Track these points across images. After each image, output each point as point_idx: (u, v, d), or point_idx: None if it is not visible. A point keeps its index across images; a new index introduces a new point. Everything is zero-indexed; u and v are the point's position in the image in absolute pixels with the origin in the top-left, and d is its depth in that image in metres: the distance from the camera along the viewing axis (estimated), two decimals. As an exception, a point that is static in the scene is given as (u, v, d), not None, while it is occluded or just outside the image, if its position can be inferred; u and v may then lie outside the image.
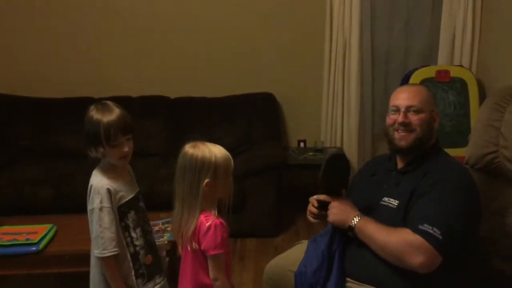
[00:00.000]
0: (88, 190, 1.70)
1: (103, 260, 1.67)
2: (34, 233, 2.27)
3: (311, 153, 3.71)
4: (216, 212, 1.60)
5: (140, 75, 4.01)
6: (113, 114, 1.65)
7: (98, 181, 1.68)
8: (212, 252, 1.55)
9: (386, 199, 1.68)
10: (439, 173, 1.61)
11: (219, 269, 1.56)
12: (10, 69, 4.01)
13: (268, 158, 3.33)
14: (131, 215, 1.74)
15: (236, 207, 3.14)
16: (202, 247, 1.56)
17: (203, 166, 1.56)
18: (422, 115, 1.67)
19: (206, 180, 1.56)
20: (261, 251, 3.17)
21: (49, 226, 2.36)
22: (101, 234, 1.64)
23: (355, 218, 1.60)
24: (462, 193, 1.57)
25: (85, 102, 4.09)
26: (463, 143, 2.39)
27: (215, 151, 1.59)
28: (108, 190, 1.67)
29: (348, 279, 1.65)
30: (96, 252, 1.67)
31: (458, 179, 1.60)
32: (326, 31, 3.72)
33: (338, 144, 3.87)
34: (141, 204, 1.82)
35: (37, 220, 2.48)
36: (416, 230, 1.47)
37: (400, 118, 1.68)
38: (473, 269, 1.63)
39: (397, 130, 1.70)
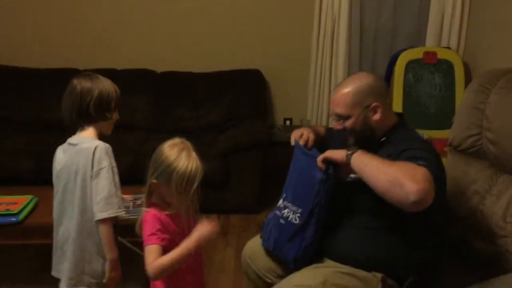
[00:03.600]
0: (91, 152, 1.64)
1: (108, 221, 1.65)
2: (14, 203, 2.25)
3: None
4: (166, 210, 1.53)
5: (125, 48, 3.94)
6: (110, 81, 1.76)
7: (101, 142, 1.68)
8: (144, 243, 1.50)
9: (353, 175, 1.64)
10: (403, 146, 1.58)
11: (147, 261, 1.47)
12: (-9, 38, 3.91)
13: (253, 135, 3.32)
14: None
15: (220, 183, 3.20)
16: None
17: (161, 165, 1.49)
18: (351, 121, 1.65)
19: (154, 180, 1.50)
20: (244, 227, 3.19)
21: (29, 197, 2.34)
22: (116, 192, 1.65)
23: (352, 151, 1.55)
24: (434, 155, 1.56)
25: (69, 74, 4.01)
26: (448, 124, 2.40)
27: (184, 162, 1.47)
28: (112, 152, 1.69)
29: (326, 259, 1.66)
30: (109, 212, 1.64)
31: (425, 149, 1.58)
32: (315, 9, 3.68)
33: (324, 123, 3.87)
34: None
35: (18, 191, 2.45)
36: (416, 163, 1.43)
37: (334, 126, 1.73)
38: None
39: None
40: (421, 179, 1.35)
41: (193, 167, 1.48)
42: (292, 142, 1.81)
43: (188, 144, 1.54)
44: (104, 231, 1.66)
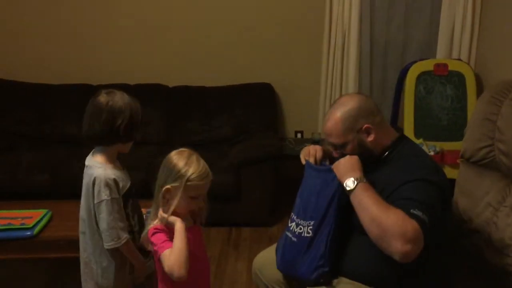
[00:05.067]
0: (91, 182, 1.65)
1: (120, 248, 1.67)
2: (29, 218, 2.28)
3: (307, 144, 3.70)
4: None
5: (138, 63, 3.99)
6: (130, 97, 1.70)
7: (103, 172, 1.65)
8: (159, 252, 1.51)
9: None
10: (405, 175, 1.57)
11: (169, 264, 1.49)
12: (8, 55, 3.99)
13: (264, 148, 3.33)
14: (130, 203, 1.75)
15: (232, 196, 3.21)
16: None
17: (172, 171, 1.50)
18: (348, 147, 1.67)
19: (168, 186, 1.50)
20: (255, 240, 3.19)
21: (44, 211, 2.37)
22: (115, 224, 1.64)
23: (359, 178, 1.56)
24: (433, 185, 1.55)
25: (83, 89, 4.11)
26: (460, 136, 2.40)
27: (195, 165, 1.50)
28: (115, 181, 1.65)
29: (340, 277, 1.65)
30: (110, 244, 1.65)
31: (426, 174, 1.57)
32: (325, 22, 3.71)
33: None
34: (134, 191, 1.81)
35: (33, 205, 2.49)
36: (410, 214, 1.44)
37: (334, 155, 1.75)
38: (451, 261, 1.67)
39: None
40: (410, 239, 1.40)
41: (204, 170, 1.51)
42: (303, 161, 1.82)
43: (193, 151, 1.56)
44: (123, 251, 1.70)
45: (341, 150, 1.69)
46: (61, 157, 3.39)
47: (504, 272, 1.73)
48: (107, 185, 1.63)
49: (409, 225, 1.41)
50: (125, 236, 1.66)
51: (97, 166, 1.67)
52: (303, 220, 1.70)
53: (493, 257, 1.78)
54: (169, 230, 1.51)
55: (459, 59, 3.49)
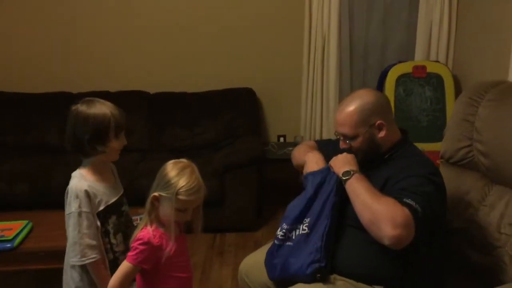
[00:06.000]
0: (66, 193, 1.61)
1: (85, 267, 1.59)
2: (8, 229, 2.24)
3: (290, 148, 3.70)
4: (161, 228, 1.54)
5: (119, 70, 3.96)
6: (111, 105, 1.62)
7: (76, 183, 1.59)
8: (128, 253, 1.52)
9: None
10: (406, 171, 1.60)
11: (115, 275, 1.52)
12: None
13: (248, 152, 3.33)
14: (112, 220, 1.67)
15: (216, 201, 3.20)
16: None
17: (162, 180, 1.49)
18: (358, 140, 1.67)
19: (155, 193, 1.50)
20: (241, 245, 3.18)
21: (24, 222, 2.33)
22: (80, 240, 1.55)
23: (355, 170, 1.60)
24: (433, 183, 1.58)
25: (63, 97, 4.05)
26: (439, 137, 2.43)
27: (186, 179, 1.48)
28: (87, 193, 1.58)
29: (336, 275, 1.64)
30: (73, 260, 1.57)
31: (427, 172, 1.61)
32: (305, 26, 3.73)
33: (318, 138, 3.89)
34: (124, 208, 1.75)
35: (13, 216, 2.45)
36: (402, 202, 1.47)
37: (341, 146, 1.74)
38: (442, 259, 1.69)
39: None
40: (400, 224, 1.42)
41: (194, 185, 1.49)
42: (303, 168, 1.84)
43: (192, 164, 1.55)
44: (90, 272, 1.61)
45: (351, 142, 1.69)
46: (42, 167, 3.33)
47: (486, 270, 1.75)
48: (77, 197, 1.57)
49: (400, 211, 1.44)
50: (92, 256, 1.57)
51: (75, 177, 1.63)
52: (299, 224, 1.69)
53: (475, 255, 1.80)
54: (155, 242, 1.50)
55: (437, 61, 3.55)
